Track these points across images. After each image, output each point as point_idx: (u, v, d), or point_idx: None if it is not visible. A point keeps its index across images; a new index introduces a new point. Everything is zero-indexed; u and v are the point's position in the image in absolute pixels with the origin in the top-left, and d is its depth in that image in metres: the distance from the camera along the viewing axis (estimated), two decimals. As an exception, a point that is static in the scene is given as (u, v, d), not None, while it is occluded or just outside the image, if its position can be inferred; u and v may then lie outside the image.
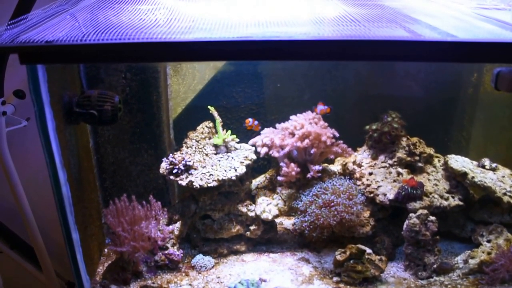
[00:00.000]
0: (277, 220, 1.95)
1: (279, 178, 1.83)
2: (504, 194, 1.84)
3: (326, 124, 1.83)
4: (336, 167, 1.97)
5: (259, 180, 1.94)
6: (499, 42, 1.41)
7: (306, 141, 1.76)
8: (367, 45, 1.35)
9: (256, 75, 2.02)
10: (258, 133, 1.88)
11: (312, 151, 1.77)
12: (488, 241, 1.86)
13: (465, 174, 1.84)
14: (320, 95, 2.03)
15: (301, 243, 1.92)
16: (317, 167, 1.79)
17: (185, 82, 1.98)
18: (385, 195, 1.81)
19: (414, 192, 1.80)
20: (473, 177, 1.84)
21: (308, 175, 1.80)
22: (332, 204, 1.73)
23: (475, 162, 1.94)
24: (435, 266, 1.81)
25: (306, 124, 1.79)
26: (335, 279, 1.76)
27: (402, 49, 1.35)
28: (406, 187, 1.80)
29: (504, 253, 1.80)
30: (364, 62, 2.07)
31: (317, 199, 1.75)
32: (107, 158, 1.85)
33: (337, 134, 1.82)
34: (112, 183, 1.89)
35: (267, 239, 1.92)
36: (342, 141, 1.84)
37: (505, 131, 2.14)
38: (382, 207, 1.86)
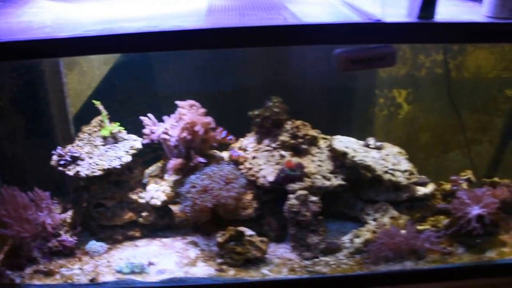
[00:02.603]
0: (174, 207, 2.03)
1: (168, 166, 1.92)
2: (385, 172, 1.87)
3: (203, 110, 1.91)
4: (226, 154, 2.04)
5: (151, 169, 2.03)
6: (339, 24, 1.47)
7: (184, 133, 1.84)
8: (237, 32, 1.44)
9: (150, 69, 2.11)
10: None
11: (189, 138, 1.86)
12: (374, 220, 1.89)
13: (345, 153, 1.88)
14: (214, 85, 2.11)
15: (195, 228, 1.99)
16: (199, 159, 1.88)
17: (85, 79, 2.09)
18: (265, 177, 1.87)
19: (293, 173, 1.85)
20: (353, 157, 1.87)
21: (191, 163, 1.89)
22: (208, 188, 1.81)
23: (361, 142, 1.97)
24: (321, 246, 1.85)
25: (187, 114, 1.87)
26: (218, 260, 1.82)
27: (271, 34, 1.43)
28: (285, 169, 1.85)
29: (385, 232, 1.83)
30: (261, 50, 2.14)
31: (195, 185, 1.83)
32: (6, 154, 1.99)
33: (212, 122, 1.89)
34: (12, 178, 2.01)
35: (164, 224, 2.00)
36: (222, 128, 1.92)
37: (402, 111, 2.16)
38: (268, 190, 1.91)
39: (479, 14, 1.56)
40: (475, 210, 1.81)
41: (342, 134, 2.05)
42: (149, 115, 1.97)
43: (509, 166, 2.23)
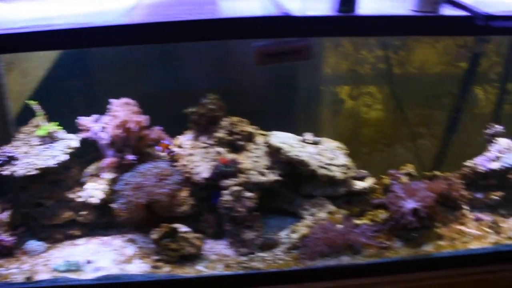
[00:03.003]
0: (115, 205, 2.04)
1: (102, 165, 1.93)
2: (321, 167, 1.86)
3: (137, 109, 1.91)
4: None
5: (91, 168, 2.02)
6: (247, 18, 1.48)
7: (118, 131, 1.85)
8: (152, 28, 1.45)
9: (93, 68, 2.12)
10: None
11: (123, 136, 1.86)
12: (311, 215, 1.89)
13: (279, 149, 1.88)
14: (158, 84, 2.12)
15: (135, 226, 2.00)
16: (129, 157, 1.88)
17: (26, 80, 2.11)
18: (199, 174, 1.87)
19: (227, 169, 1.85)
20: (287, 152, 1.87)
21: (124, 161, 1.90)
22: (142, 185, 1.81)
23: (300, 137, 1.98)
24: (258, 242, 1.85)
25: (121, 112, 1.87)
26: (154, 257, 1.83)
27: (183, 29, 1.45)
28: (219, 165, 1.86)
29: (320, 227, 1.82)
30: (205, 48, 2.16)
31: (129, 182, 1.83)
32: None
33: (145, 121, 1.89)
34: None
35: (104, 223, 2.00)
36: (158, 127, 1.93)
37: (347, 107, 2.17)
38: (205, 186, 1.91)
39: (406, 9, 1.57)
40: (410, 204, 1.81)
41: (287, 131, 2.05)
42: (96, 115, 1.98)
43: (453, 160, 2.23)
